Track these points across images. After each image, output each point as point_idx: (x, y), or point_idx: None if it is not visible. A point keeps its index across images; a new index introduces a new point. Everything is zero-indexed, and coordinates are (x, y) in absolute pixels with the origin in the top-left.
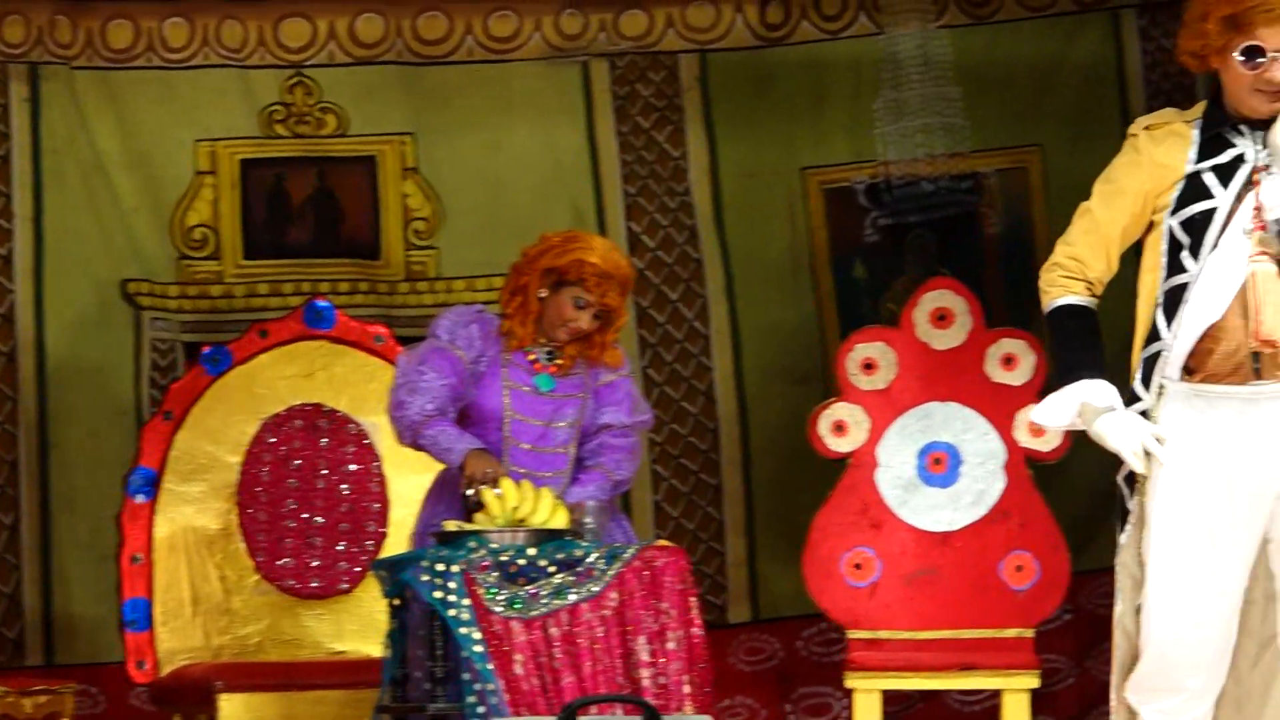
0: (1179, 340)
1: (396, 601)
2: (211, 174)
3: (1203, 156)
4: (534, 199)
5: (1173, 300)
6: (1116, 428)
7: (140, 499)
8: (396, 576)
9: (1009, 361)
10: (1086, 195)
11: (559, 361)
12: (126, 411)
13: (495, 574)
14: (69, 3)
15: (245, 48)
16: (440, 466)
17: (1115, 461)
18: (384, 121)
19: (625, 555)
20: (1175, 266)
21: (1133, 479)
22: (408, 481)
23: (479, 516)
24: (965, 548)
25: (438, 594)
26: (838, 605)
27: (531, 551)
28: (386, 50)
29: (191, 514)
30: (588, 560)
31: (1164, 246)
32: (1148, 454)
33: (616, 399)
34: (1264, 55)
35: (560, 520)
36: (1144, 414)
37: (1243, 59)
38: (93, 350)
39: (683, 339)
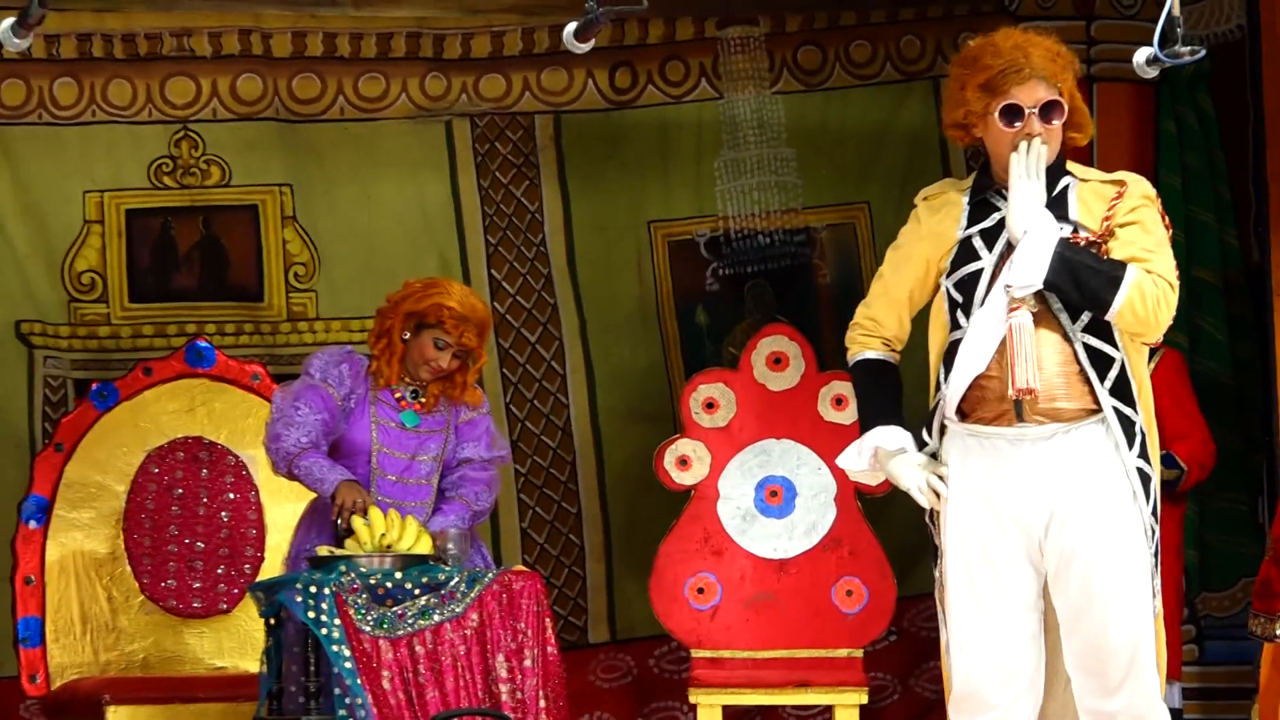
0: (952, 389)
1: (272, 621)
2: (99, 223)
3: (972, 222)
4: (403, 247)
5: (950, 354)
6: (904, 469)
7: (33, 524)
8: (272, 597)
9: (839, 402)
10: None
11: (423, 400)
12: (21, 444)
13: (364, 596)
14: None
15: (133, 105)
16: (312, 495)
17: None
18: (264, 173)
19: (485, 579)
20: (954, 324)
21: (934, 516)
22: (282, 509)
23: (349, 542)
24: (800, 574)
25: (311, 614)
26: (682, 627)
27: (398, 575)
28: (265, 108)
29: (81, 539)
30: (450, 584)
31: (945, 306)
32: (937, 492)
33: (476, 435)
34: (1021, 114)
35: (424, 546)
36: (934, 455)
37: (1004, 120)
38: None
39: (541, 378)
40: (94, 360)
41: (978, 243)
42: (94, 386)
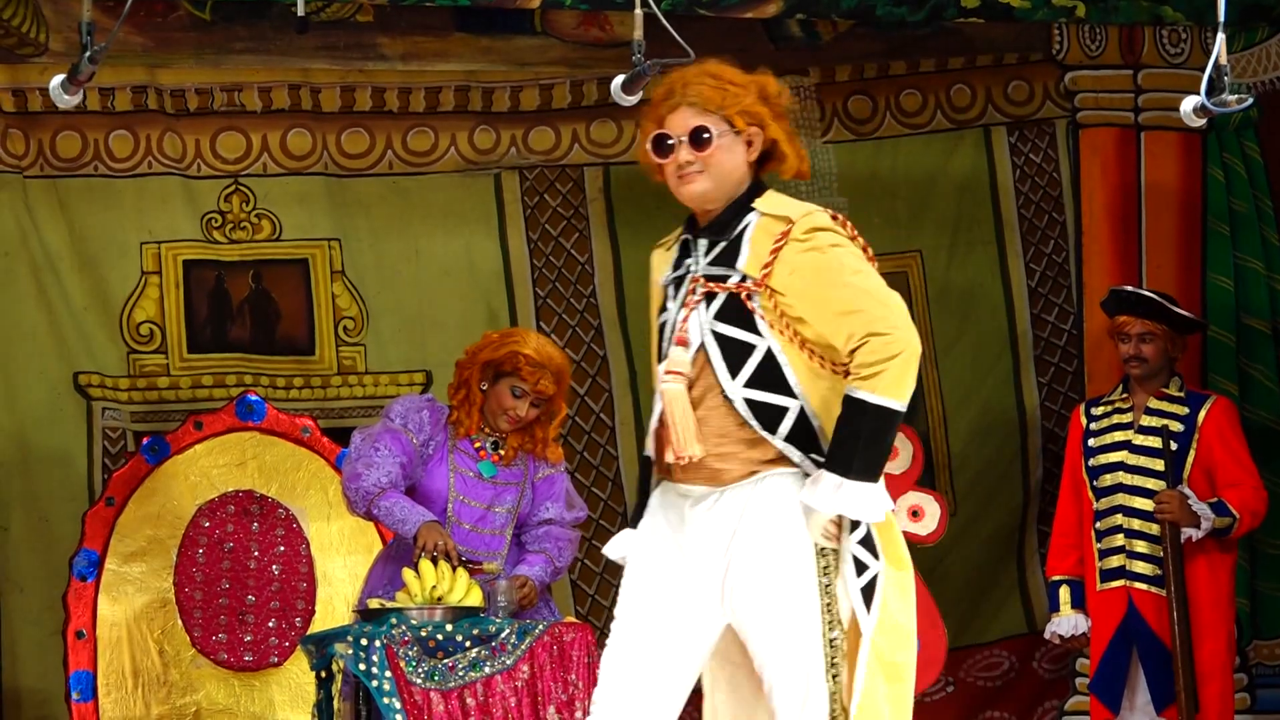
0: (649, 437)
1: (324, 674)
2: (157, 274)
3: (675, 267)
4: (452, 300)
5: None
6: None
7: (85, 579)
8: (324, 650)
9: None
10: (965, 297)
11: (502, 451)
12: (80, 497)
13: (415, 648)
14: (20, 115)
15: (186, 158)
16: (380, 544)
17: (991, 545)
18: (314, 228)
19: (536, 631)
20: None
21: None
22: (333, 562)
23: (400, 595)
24: None
25: (362, 666)
26: None
27: (449, 627)
28: (315, 162)
29: (133, 593)
30: (501, 635)
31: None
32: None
33: (553, 494)
34: (669, 143)
35: (475, 598)
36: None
37: (654, 151)
38: (46, 440)
39: (590, 430)
40: (153, 412)
41: (670, 291)
42: (145, 441)
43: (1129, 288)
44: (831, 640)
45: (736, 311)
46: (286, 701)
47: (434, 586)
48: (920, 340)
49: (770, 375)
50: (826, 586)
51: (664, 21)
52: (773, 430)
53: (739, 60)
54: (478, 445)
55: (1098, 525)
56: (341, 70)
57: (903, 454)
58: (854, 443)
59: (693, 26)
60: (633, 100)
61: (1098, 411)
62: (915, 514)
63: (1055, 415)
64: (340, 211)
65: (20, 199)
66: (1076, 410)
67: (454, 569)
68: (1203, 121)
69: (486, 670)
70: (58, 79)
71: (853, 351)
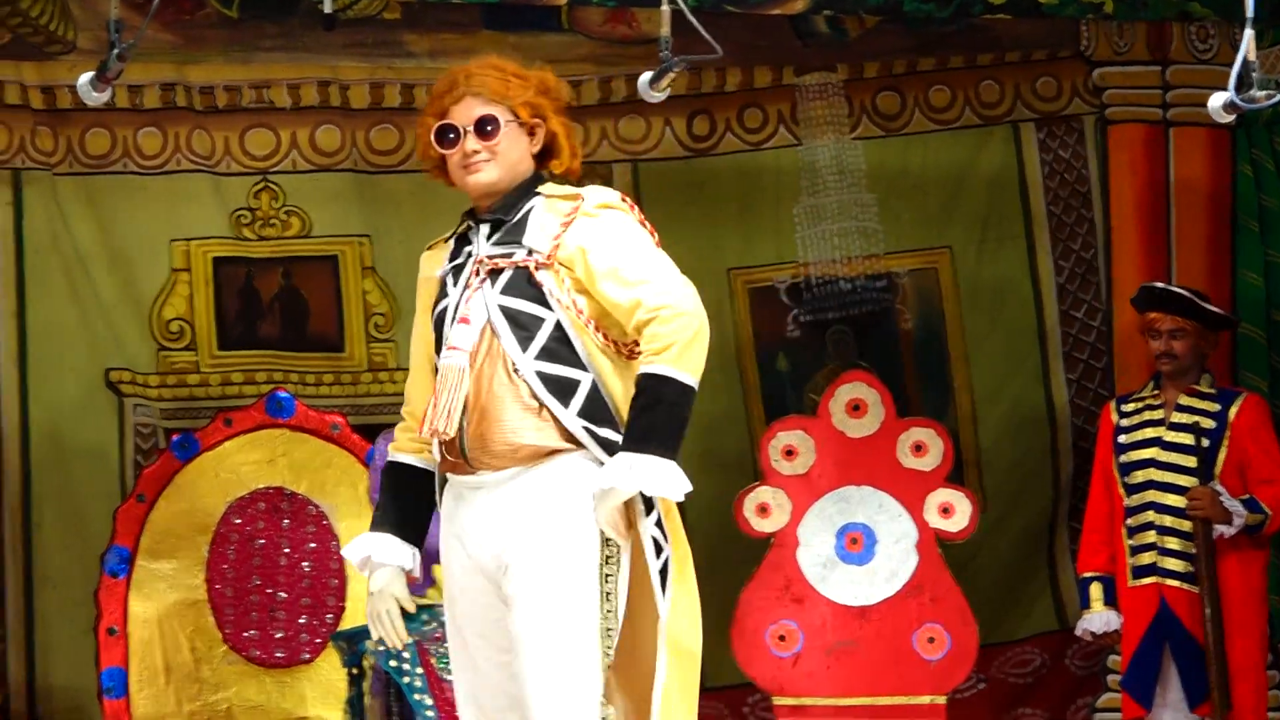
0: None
1: (355, 670)
2: (186, 271)
3: (452, 258)
4: None
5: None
6: (371, 597)
7: (116, 575)
8: (355, 647)
9: (919, 448)
10: (995, 294)
11: None
12: (113, 494)
13: (447, 644)
14: (50, 113)
15: (215, 155)
16: None
17: (1022, 541)
18: (344, 224)
19: None
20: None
21: None
22: None
23: (431, 591)
24: (881, 621)
25: (393, 663)
26: (764, 674)
27: None
28: (344, 159)
29: (164, 589)
30: None
31: (433, 343)
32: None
33: None
34: (455, 134)
35: None
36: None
37: (438, 142)
38: (77, 436)
39: None
40: (183, 409)
41: (449, 279)
42: (175, 438)
43: (1159, 284)
44: (608, 646)
45: (523, 286)
46: (318, 698)
47: None
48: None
49: (561, 348)
50: (607, 578)
51: (691, 18)
52: (565, 404)
53: (767, 56)
54: None
55: (1129, 522)
56: (370, 66)
57: (932, 450)
58: (651, 417)
59: (719, 23)
60: (660, 97)
61: (1128, 408)
62: (945, 511)
63: (1085, 412)
64: (370, 208)
65: (50, 196)
66: (1107, 407)
67: None
68: (1232, 118)
69: None
70: (86, 76)
71: (642, 326)
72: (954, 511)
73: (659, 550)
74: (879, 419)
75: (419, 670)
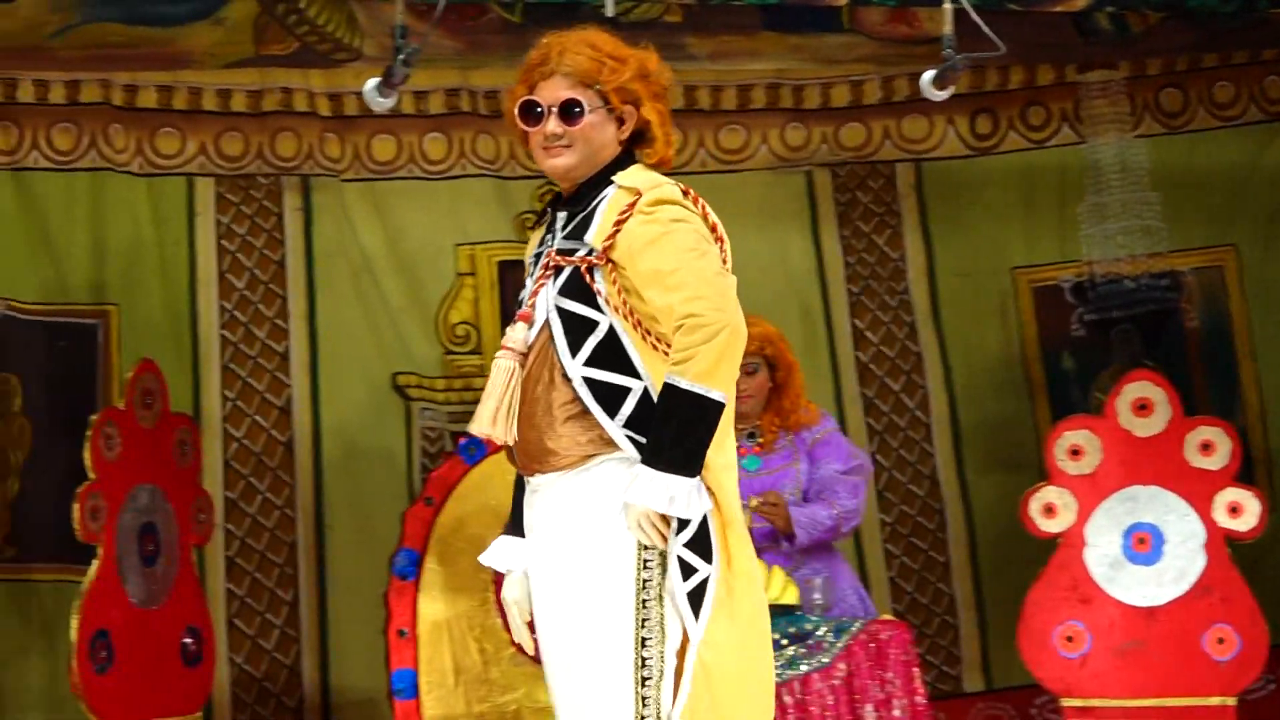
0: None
1: None
2: (471, 275)
3: (540, 245)
4: (766, 297)
5: None
6: (506, 594)
7: (405, 578)
8: None
9: (1207, 448)
10: None
11: (760, 439)
12: (401, 497)
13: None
14: (337, 120)
15: (499, 159)
16: None
17: None
18: None
19: (853, 629)
20: None
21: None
22: None
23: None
24: (1170, 621)
25: None
26: (1052, 675)
27: None
28: None
29: (452, 591)
30: (818, 634)
31: None
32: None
33: (830, 453)
34: (538, 112)
35: (791, 596)
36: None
37: (521, 118)
38: (366, 440)
39: (906, 426)
40: (469, 412)
41: (531, 265)
42: (461, 441)
43: None
44: (644, 657)
45: (579, 287)
46: None
47: None
48: (743, 324)
49: (612, 354)
50: (645, 587)
51: (973, 15)
52: (612, 413)
53: (1050, 54)
54: (735, 444)
55: None
56: None
57: (1220, 449)
58: (664, 432)
59: (1001, 20)
60: (943, 96)
61: None
62: (1234, 510)
63: None
64: None
65: (338, 202)
66: None
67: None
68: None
69: (803, 668)
70: (372, 83)
71: (676, 333)
72: (1243, 511)
73: (689, 572)
74: (1166, 418)
75: None
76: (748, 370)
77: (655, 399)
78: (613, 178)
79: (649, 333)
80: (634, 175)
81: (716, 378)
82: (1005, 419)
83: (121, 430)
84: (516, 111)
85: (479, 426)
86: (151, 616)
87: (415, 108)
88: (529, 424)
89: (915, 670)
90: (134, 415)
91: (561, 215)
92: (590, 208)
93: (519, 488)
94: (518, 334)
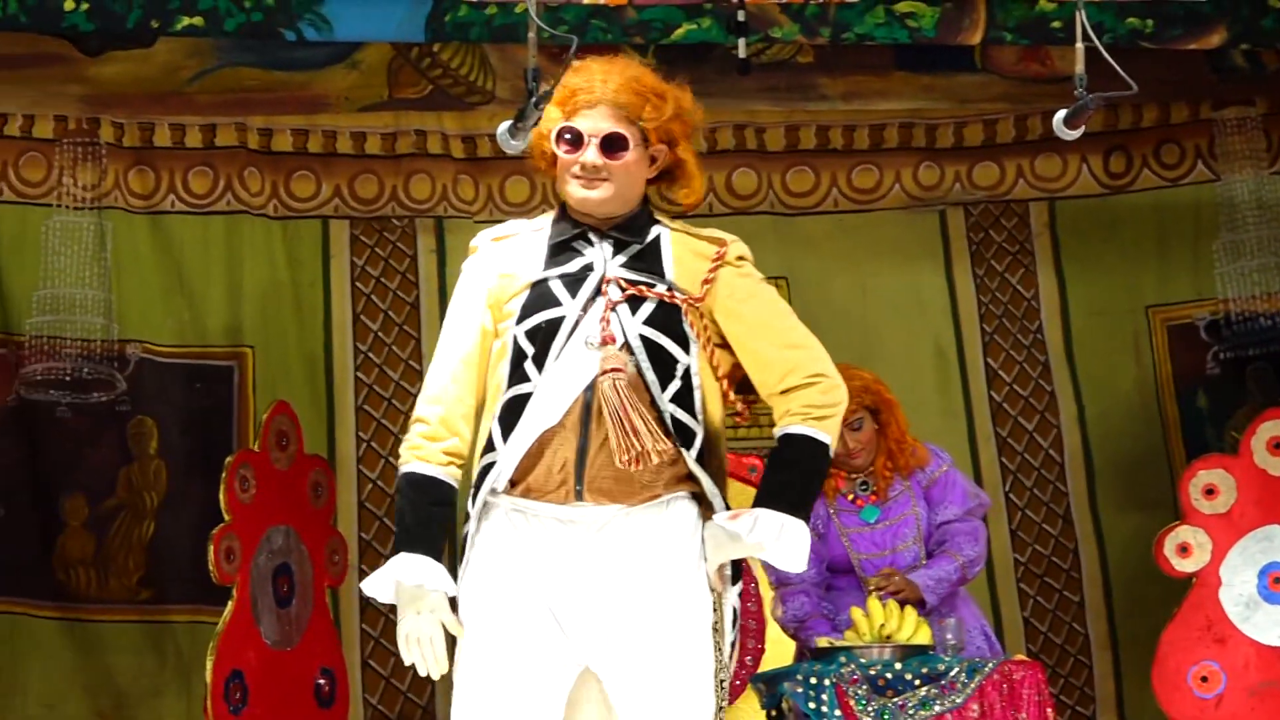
0: (511, 450)
1: (774, 712)
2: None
3: (551, 265)
4: (899, 335)
5: (512, 411)
6: (406, 624)
7: None
8: (774, 689)
9: None
10: None
11: (874, 488)
12: None
13: (865, 687)
14: (470, 162)
15: None
16: None
17: None
18: (761, 266)
19: (985, 669)
20: (520, 377)
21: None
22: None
23: (849, 634)
24: None
25: (812, 705)
26: (1186, 715)
27: (898, 666)
28: (760, 201)
29: None
30: (950, 674)
31: (509, 357)
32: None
33: (948, 495)
34: (579, 140)
35: (924, 636)
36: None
37: (559, 144)
38: None
39: (1040, 466)
40: None
41: (557, 287)
42: None
43: None
44: (721, 683)
45: (668, 322)
46: None
47: (882, 624)
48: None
49: (688, 395)
50: (716, 625)
51: (1106, 55)
52: (688, 449)
53: (1184, 92)
54: (850, 497)
55: None
56: (785, 110)
57: None
58: (806, 483)
59: (1135, 59)
60: (1075, 135)
61: None
62: None
63: None
64: (787, 249)
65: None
66: None
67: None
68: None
69: (936, 709)
70: (505, 125)
71: (795, 389)
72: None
73: (735, 621)
74: None
75: (837, 713)
76: (853, 426)
77: (707, 446)
78: (658, 217)
79: (729, 384)
80: (682, 222)
81: (837, 438)
82: (1139, 458)
83: (256, 472)
84: (554, 136)
85: (646, 446)
86: (286, 657)
87: None
88: (605, 451)
89: (1049, 711)
90: (269, 457)
91: (607, 244)
92: (649, 241)
93: (441, 505)
94: (615, 354)
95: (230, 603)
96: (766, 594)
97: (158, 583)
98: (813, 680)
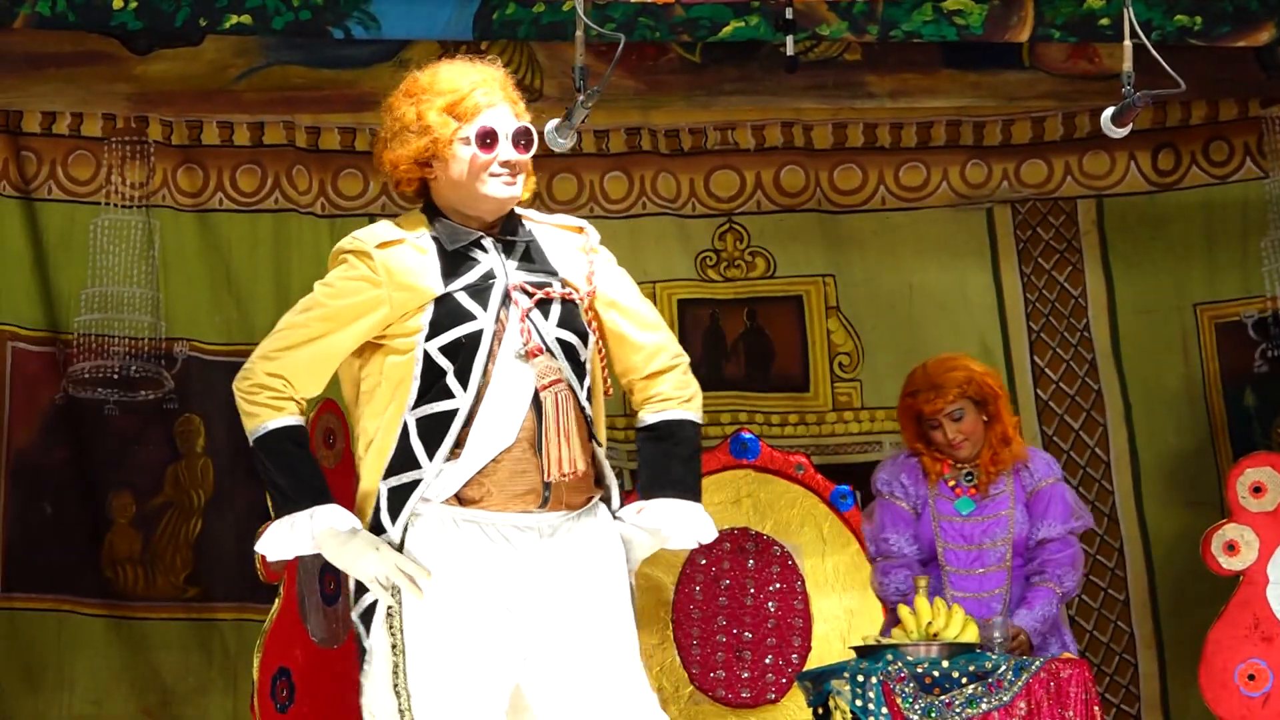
0: (463, 467)
1: (820, 710)
2: None
3: (450, 275)
4: (946, 334)
5: (435, 428)
6: (362, 553)
7: None
8: (820, 687)
9: None
10: None
11: (977, 480)
12: None
13: (912, 684)
14: None
15: (680, 198)
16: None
17: None
18: (807, 264)
19: (1032, 667)
20: (441, 392)
21: (370, 614)
22: (828, 600)
23: (896, 631)
24: None
25: (859, 703)
26: (1233, 714)
27: (945, 664)
28: (808, 199)
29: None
30: (997, 672)
31: (417, 372)
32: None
33: (1050, 510)
34: (496, 139)
35: (971, 635)
36: (394, 545)
37: (479, 146)
38: None
39: (1085, 464)
40: None
41: (465, 300)
42: None
43: None
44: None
45: (574, 321)
46: None
47: (930, 623)
48: None
49: (590, 390)
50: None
51: (1154, 52)
52: (600, 447)
53: (1232, 89)
54: (952, 484)
55: None
56: (833, 108)
57: None
58: (695, 465)
59: (1182, 56)
60: (1123, 133)
61: None
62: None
63: None
64: (834, 247)
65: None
66: None
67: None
68: None
69: (983, 707)
70: (553, 123)
71: (662, 372)
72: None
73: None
74: None
75: (884, 710)
76: (954, 417)
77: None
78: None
79: (604, 370)
80: (537, 214)
81: None
82: (1186, 456)
83: None
84: (473, 136)
85: (575, 464)
86: (333, 655)
87: (596, 147)
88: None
89: (1096, 709)
90: (316, 455)
91: (488, 243)
92: (525, 240)
93: (307, 454)
94: (552, 364)
95: (277, 600)
96: (812, 592)
97: (204, 580)
98: (860, 678)
